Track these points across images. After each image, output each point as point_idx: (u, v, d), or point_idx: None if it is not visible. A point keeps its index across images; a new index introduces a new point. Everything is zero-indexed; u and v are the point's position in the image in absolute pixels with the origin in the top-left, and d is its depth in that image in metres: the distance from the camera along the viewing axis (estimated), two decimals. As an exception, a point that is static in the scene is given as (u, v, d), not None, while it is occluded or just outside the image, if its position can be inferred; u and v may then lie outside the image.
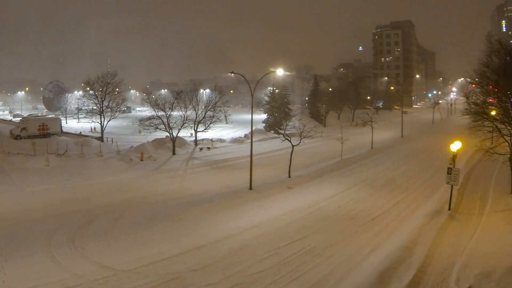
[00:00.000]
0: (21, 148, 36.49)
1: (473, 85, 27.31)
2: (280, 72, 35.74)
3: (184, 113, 40.47)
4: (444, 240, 15.60)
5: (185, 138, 42.88)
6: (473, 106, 24.28)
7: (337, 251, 14.90)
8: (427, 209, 19.67)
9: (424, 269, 13.04)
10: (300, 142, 28.24)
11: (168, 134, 38.15)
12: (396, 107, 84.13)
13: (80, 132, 52.14)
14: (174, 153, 37.22)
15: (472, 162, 30.99)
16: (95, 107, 47.89)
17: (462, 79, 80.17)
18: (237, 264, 13.69)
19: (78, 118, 59.73)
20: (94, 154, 35.87)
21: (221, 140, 45.62)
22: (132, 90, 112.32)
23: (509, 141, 21.79)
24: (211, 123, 43.24)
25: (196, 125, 42.44)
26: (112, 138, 45.16)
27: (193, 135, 43.63)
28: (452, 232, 16.59)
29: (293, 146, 27.60)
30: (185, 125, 39.77)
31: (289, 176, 26.84)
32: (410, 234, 15.98)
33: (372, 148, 40.07)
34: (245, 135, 47.25)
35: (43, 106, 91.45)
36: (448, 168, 19.20)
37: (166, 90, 79.71)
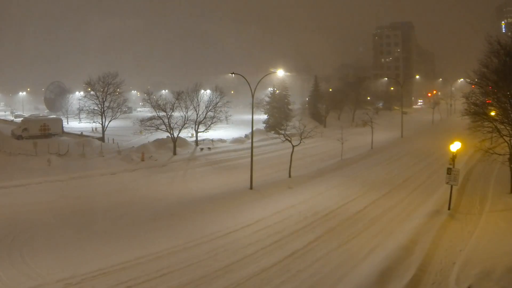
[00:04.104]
0: (23, 148, 36.57)
1: (473, 86, 27.40)
2: (280, 72, 35.83)
3: (185, 113, 40.60)
4: (443, 240, 15.72)
5: (186, 138, 43.00)
6: (472, 106, 24.38)
7: (337, 250, 15.04)
8: (426, 208, 19.80)
9: (424, 268, 13.15)
10: (300, 142, 28.37)
11: (169, 135, 38.27)
12: (396, 107, 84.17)
13: (82, 132, 52.22)
14: (175, 153, 37.34)
15: (472, 162, 31.12)
16: (96, 108, 48.01)
17: (462, 79, 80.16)
18: (236, 263, 13.83)
19: (79, 118, 59.78)
20: (95, 154, 36.00)
21: (221, 140, 45.69)
22: (133, 91, 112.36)
23: (509, 142, 21.89)
24: (212, 123, 43.32)
25: (197, 125, 42.55)
26: (113, 139, 45.30)
27: (194, 135, 43.74)
28: (452, 231, 16.71)
29: (293, 146, 27.74)
30: (186, 125, 39.87)
31: (290, 176, 26.98)
32: (410, 233, 16.11)
33: (372, 148, 40.20)
34: (246, 136, 47.31)
35: (44, 107, 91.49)
36: (448, 168, 19.33)
37: (167, 90, 79.73)
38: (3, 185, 24.28)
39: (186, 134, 43.35)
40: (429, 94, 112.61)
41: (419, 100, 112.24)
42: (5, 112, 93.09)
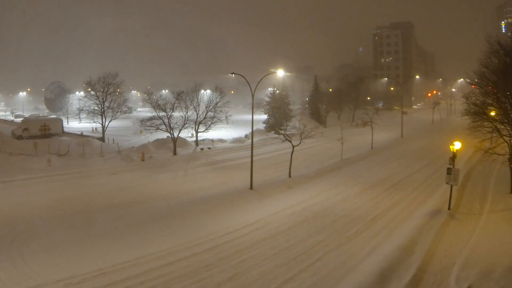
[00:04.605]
0: (23, 148, 36.59)
1: (473, 86, 27.43)
2: (280, 72, 35.83)
3: (185, 113, 40.64)
4: (443, 240, 15.73)
5: (186, 138, 43.04)
6: (472, 106, 24.41)
7: (337, 250, 15.05)
8: (426, 208, 19.81)
9: (424, 268, 13.17)
10: (300, 142, 28.39)
11: (169, 135, 38.31)
12: (396, 107, 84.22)
13: (82, 132, 52.25)
14: (175, 153, 37.37)
15: (472, 162, 31.15)
16: (96, 108, 48.04)
17: (462, 79, 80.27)
18: (236, 262, 13.84)
19: (79, 118, 59.86)
20: (95, 154, 36.03)
21: (222, 140, 45.74)
22: (133, 91, 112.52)
23: (508, 142, 21.91)
24: (212, 123, 43.37)
25: (197, 125, 42.59)
26: (113, 139, 45.33)
27: (194, 135, 43.79)
28: (452, 231, 16.73)
29: (293, 146, 27.75)
30: (186, 125, 39.90)
31: (290, 176, 26.99)
32: (410, 233, 16.12)
33: (372, 148, 40.23)
34: (246, 136, 47.37)
35: (44, 107, 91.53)
36: (448, 168, 19.34)
37: (167, 90, 79.80)
38: (3, 185, 24.32)
39: (186, 134, 43.40)
40: (429, 95, 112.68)
41: (418, 104, 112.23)
42: (5, 112, 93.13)
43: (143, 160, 34.21)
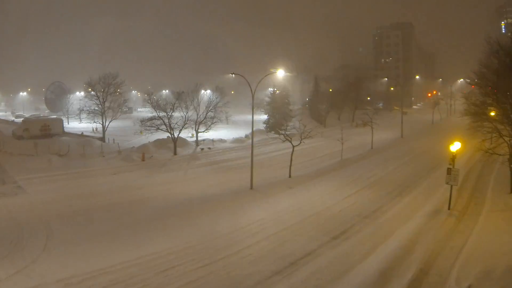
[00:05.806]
0: (24, 148, 36.63)
1: (473, 86, 27.47)
2: (280, 73, 35.84)
3: (185, 113, 40.68)
4: (443, 240, 15.75)
5: (186, 138, 43.09)
6: (472, 107, 24.42)
7: (337, 250, 15.07)
8: (426, 208, 19.83)
9: (424, 268, 13.19)
10: (300, 142, 28.41)
11: (170, 135, 38.35)
12: (396, 107, 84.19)
13: (82, 132, 52.27)
14: (175, 153, 37.41)
15: (472, 163, 31.14)
16: (96, 108, 48.10)
17: (462, 80, 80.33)
18: (237, 263, 13.86)
19: (80, 118, 59.91)
20: (96, 154, 36.08)
21: (222, 141, 45.78)
22: (133, 91, 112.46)
23: (508, 142, 21.93)
24: (212, 123, 43.42)
25: (197, 125, 42.63)
26: (114, 139, 45.37)
27: (194, 135, 43.83)
28: (452, 231, 16.76)
29: (293, 146, 27.78)
30: (186, 125, 39.95)
31: (290, 176, 27.02)
32: (410, 233, 16.16)
33: (372, 148, 40.25)
34: (246, 136, 47.39)
35: (45, 107, 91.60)
36: (448, 168, 19.36)
37: (167, 90, 79.81)
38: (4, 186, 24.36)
39: (187, 134, 43.43)
40: (429, 95, 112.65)
41: (418, 104, 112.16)
42: (6, 112, 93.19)
43: (143, 160, 34.25)
